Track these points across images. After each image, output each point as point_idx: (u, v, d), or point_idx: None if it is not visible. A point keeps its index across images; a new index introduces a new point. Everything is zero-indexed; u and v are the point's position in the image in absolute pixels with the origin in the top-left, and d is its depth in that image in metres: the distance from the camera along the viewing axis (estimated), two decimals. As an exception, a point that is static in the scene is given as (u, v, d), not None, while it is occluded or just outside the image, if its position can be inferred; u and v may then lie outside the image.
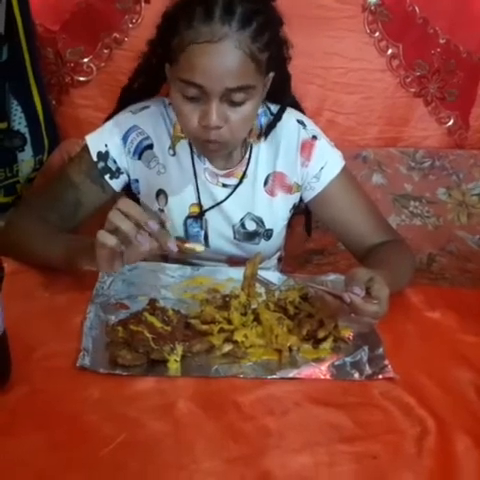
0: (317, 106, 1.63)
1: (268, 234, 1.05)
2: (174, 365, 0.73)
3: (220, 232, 1.04)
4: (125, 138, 0.99)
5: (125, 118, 1.00)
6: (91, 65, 1.47)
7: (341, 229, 1.06)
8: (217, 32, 0.79)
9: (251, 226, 1.03)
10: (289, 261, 1.27)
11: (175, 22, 0.83)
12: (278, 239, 1.09)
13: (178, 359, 0.74)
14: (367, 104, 1.65)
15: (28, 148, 1.35)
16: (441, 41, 1.61)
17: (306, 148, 1.01)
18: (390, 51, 1.60)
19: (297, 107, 1.07)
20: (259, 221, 1.04)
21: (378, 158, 1.67)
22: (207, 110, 0.83)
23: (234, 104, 0.83)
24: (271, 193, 1.03)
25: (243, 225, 1.03)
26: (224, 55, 0.79)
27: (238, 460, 0.61)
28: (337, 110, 1.64)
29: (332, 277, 0.97)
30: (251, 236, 1.04)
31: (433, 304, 0.92)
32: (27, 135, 1.35)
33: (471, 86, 1.69)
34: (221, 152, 0.94)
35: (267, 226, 1.04)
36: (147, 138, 1.00)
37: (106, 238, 0.73)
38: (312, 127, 1.03)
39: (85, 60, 1.47)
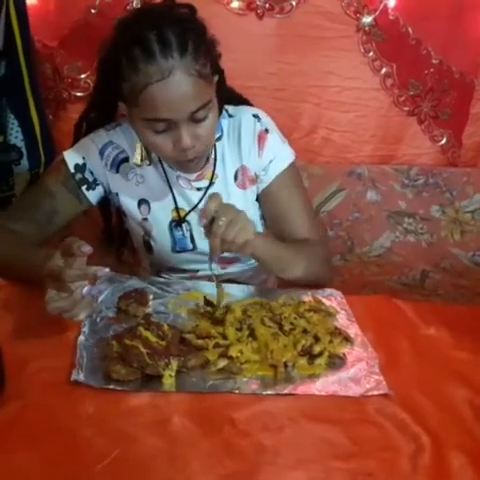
0: (312, 124, 1.65)
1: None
2: (169, 380, 0.73)
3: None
4: (102, 152, 1.02)
5: (100, 135, 1.03)
6: (88, 81, 1.49)
7: (273, 224, 1.09)
8: (165, 68, 0.82)
9: None
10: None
11: (118, 68, 0.85)
12: (259, 230, 1.11)
13: (173, 374, 0.73)
14: (361, 122, 1.68)
15: (24, 162, 1.36)
16: (434, 61, 1.64)
17: (261, 140, 1.04)
18: (384, 70, 1.63)
19: (239, 99, 1.10)
20: None
21: (372, 175, 1.69)
22: (178, 136, 0.87)
23: (199, 121, 0.87)
24: (242, 187, 1.06)
25: None
26: (178, 85, 0.83)
27: (233, 477, 0.61)
28: (332, 128, 1.67)
29: (328, 291, 0.98)
30: None
31: (427, 320, 0.92)
32: (23, 149, 1.36)
33: (464, 105, 1.72)
34: (200, 164, 0.98)
35: None
36: (122, 152, 1.03)
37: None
38: (266, 120, 1.06)
39: (82, 76, 1.49)
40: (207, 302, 0.89)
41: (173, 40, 0.82)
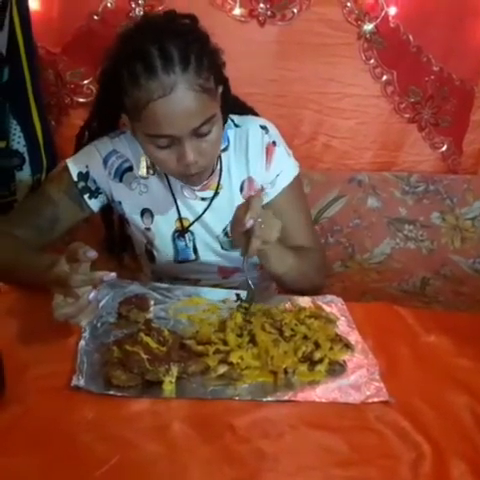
0: (313, 130, 1.66)
1: None
2: (169, 386, 0.73)
3: (207, 244, 1.07)
4: (105, 161, 1.02)
5: (104, 143, 1.03)
6: (91, 87, 1.49)
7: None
8: (167, 84, 0.81)
9: None
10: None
11: (120, 82, 0.85)
12: None
13: (173, 380, 0.73)
14: (362, 129, 1.68)
15: (26, 167, 1.36)
16: (434, 69, 1.65)
17: (269, 152, 1.04)
18: (385, 77, 1.64)
19: (244, 107, 1.10)
20: None
21: (373, 182, 1.69)
22: (182, 151, 0.86)
23: (203, 135, 0.87)
24: None
25: (227, 234, 1.06)
26: (181, 102, 0.82)
27: (233, 483, 0.61)
28: (333, 134, 1.68)
29: (329, 298, 0.98)
30: None
31: (428, 327, 0.92)
32: (26, 155, 1.36)
33: (464, 113, 1.73)
34: (203, 177, 0.97)
35: None
36: (126, 161, 1.02)
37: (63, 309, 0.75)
38: (274, 132, 1.06)
39: (85, 82, 1.50)
40: (241, 300, 0.90)
41: (175, 54, 0.81)
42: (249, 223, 0.82)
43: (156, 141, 0.86)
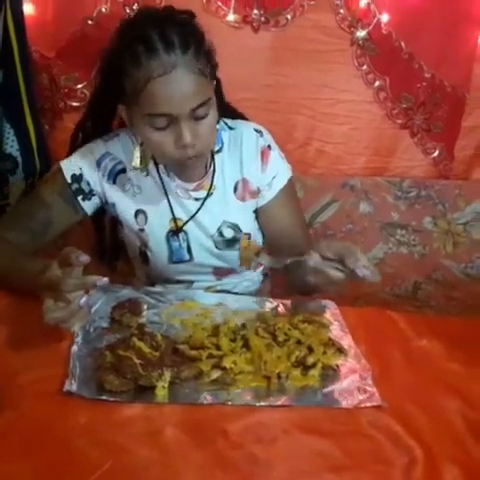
0: (306, 136, 1.66)
1: (246, 238, 1.08)
2: (162, 391, 0.73)
3: (201, 244, 1.07)
4: (99, 163, 1.03)
5: (97, 145, 1.03)
6: (85, 91, 1.49)
7: (273, 236, 1.11)
8: (167, 63, 0.84)
9: (229, 233, 1.07)
10: (279, 286, 1.28)
11: (121, 65, 0.87)
12: (258, 242, 1.12)
13: (166, 385, 0.73)
14: (355, 134, 1.69)
15: (20, 171, 1.36)
16: (426, 75, 1.66)
17: (265, 155, 1.06)
18: (377, 84, 1.64)
19: (234, 113, 1.12)
20: (235, 227, 1.07)
21: (365, 187, 1.70)
22: (179, 132, 0.87)
23: (200, 118, 0.88)
24: (242, 199, 1.07)
25: (221, 234, 1.06)
26: (180, 81, 0.85)
27: (226, 489, 0.61)
28: (326, 140, 1.68)
29: (323, 303, 0.98)
30: (231, 243, 1.07)
31: (420, 332, 0.93)
32: (19, 158, 1.36)
33: (456, 119, 1.74)
34: (199, 164, 0.99)
35: (244, 230, 1.08)
36: (120, 163, 1.03)
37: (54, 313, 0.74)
38: (268, 137, 1.09)
39: (79, 86, 1.49)
40: None
41: (175, 38, 0.84)
42: (363, 272, 0.83)
43: (153, 121, 0.87)
